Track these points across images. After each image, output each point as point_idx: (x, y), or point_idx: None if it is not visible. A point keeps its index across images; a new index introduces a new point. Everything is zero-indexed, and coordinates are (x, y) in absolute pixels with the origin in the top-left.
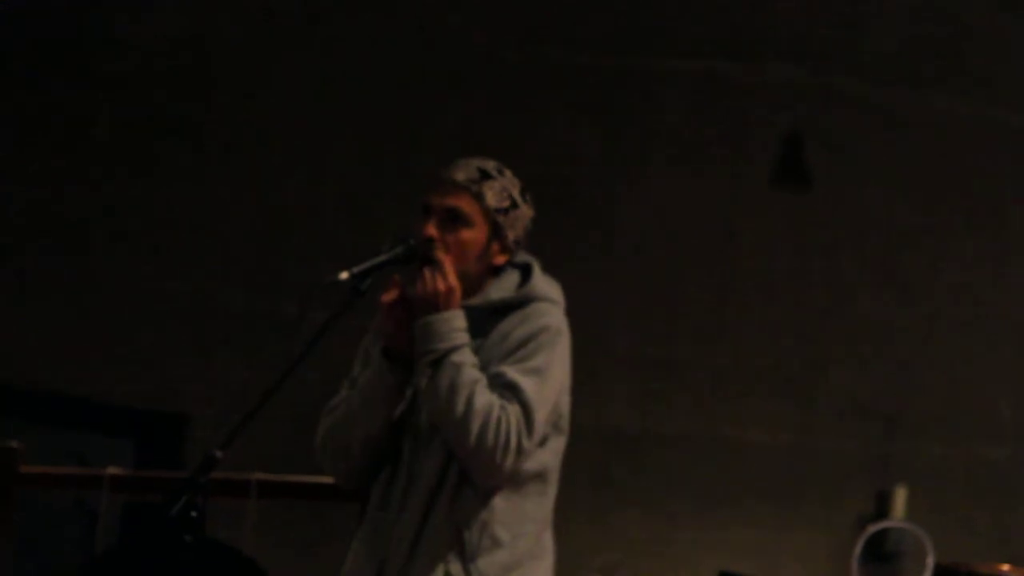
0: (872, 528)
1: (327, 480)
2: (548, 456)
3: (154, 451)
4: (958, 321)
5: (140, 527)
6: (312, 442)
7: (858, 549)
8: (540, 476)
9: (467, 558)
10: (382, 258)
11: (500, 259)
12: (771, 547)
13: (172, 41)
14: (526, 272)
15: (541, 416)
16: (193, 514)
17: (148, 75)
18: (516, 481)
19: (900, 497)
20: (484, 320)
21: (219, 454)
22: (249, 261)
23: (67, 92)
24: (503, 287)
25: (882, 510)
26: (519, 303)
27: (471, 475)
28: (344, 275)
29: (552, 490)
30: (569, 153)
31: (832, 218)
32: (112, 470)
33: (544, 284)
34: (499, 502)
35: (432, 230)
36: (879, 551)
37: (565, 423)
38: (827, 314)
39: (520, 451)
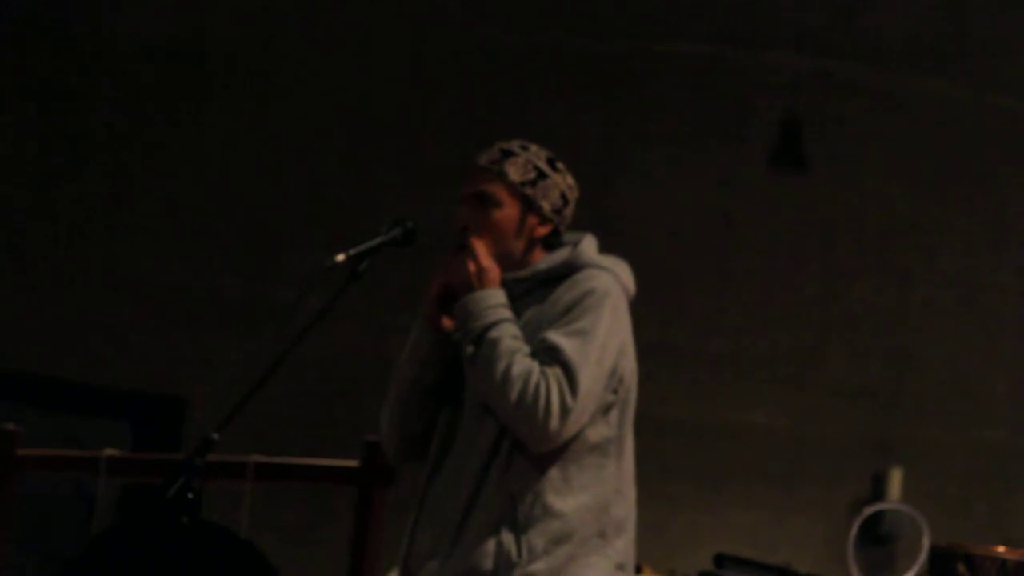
0: (868, 510)
1: (324, 462)
2: (607, 428)
3: (151, 434)
4: (956, 306)
5: (137, 509)
6: (309, 425)
7: (854, 531)
8: (599, 448)
9: (519, 528)
10: (379, 240)
11: (542, 230)
12: (768, 530)
13: (172, 38)
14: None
15: (586, 375)
16: (190, 496)
17: (148, 71)
18: (573, 451)
19: (896, 479)
20: (536, 291)
21: (216, 436)
22: (246, 247)
23: (68, 86)
24: (552, 258)
25: (878, 492)
26: (569, 271)
27: (524, 443)
28: (341, 257)
29: (613, 464)
30: (567, 138)
31: (830, 203)
32: (109, 452)
33: (593, 252)
34: (553, 472)
35: (464, 217)
36: (875, 533)
37: (628, 392)
38: (824, 299)
39: (565, 411)
